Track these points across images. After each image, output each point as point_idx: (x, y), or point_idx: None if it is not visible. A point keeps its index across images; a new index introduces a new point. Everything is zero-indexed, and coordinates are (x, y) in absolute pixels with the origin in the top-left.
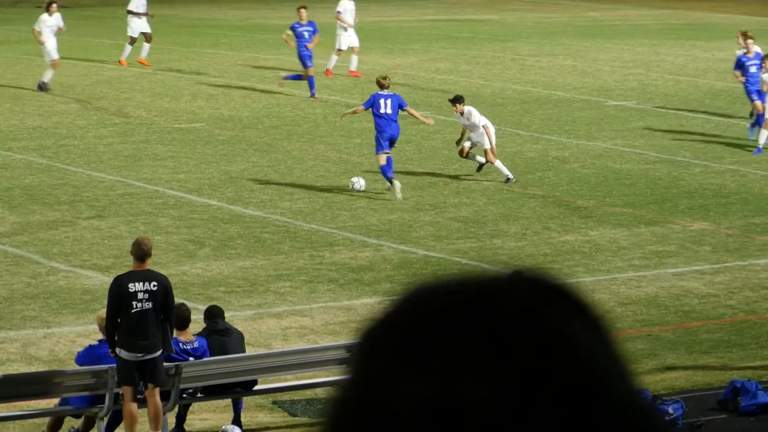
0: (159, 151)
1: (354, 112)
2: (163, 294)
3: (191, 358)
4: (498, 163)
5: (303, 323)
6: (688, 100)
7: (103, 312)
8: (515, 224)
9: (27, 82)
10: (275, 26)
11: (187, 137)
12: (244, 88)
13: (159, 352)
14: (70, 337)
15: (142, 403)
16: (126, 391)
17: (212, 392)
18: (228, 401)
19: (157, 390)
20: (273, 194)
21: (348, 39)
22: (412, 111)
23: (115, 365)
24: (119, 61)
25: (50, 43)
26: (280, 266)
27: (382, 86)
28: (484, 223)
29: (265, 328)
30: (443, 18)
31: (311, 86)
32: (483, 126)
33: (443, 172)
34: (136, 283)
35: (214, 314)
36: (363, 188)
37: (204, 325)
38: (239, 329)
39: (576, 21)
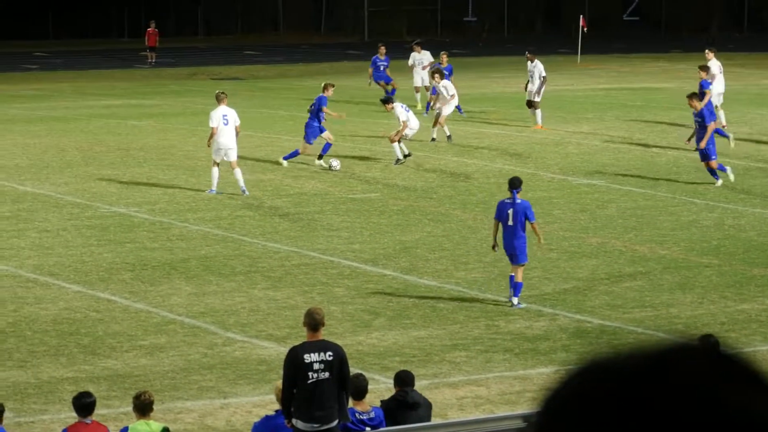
0: (334, 222)
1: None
2: (339, 364)
3: (368, 429)
4: (394, 146)
5: (479, 393)
6: None
7: (279, 383)
8: (691, 293)
9: (202, 154)
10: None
11: (361, 207)
12: (417, 158)
13: (335, 423)
14: (246, 407)
15: None
16: None
17: None
18: None
19: None
20: (448, 264)
21: None
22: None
23: None
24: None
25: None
26: (455, 336)
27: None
28: (659, 291)
29: (441, 398)
30: (616, 86)
31: None
32: (402, 121)
33: (618, 241)
34: (312, 354)
35: (403, 381)
36: (338, 167)
37: (393, 391)
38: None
39: (750, 89)
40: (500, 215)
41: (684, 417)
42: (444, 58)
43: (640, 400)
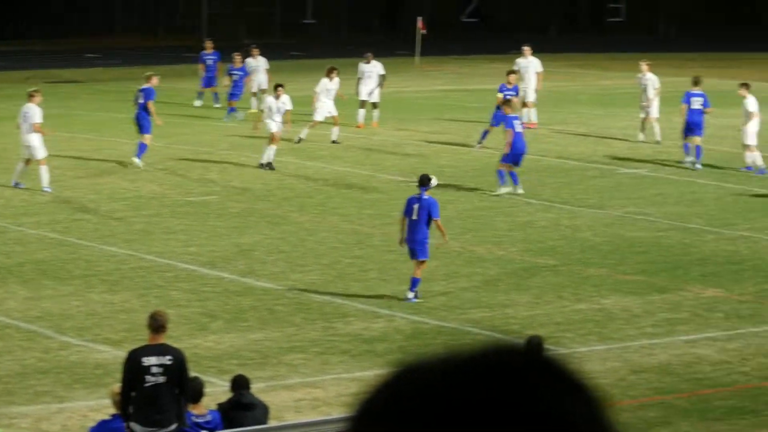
0: (171, 225)
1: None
2: (178, 368)
3: None
4: (271, 149)
5: (316, 395)
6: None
7: (116, 386)
8: (527, 293)
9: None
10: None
11: (199, 210)
12: (255, 160)
13: (173, 426)
14: (82, 411)
15: None
16: None
17: None
18: None
19: None
20: (285, 266)
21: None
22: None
23: None
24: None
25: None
26: (292, 338)
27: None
28: (496, 292)
29: (278, 401)
30: (454, 88)
31: None
32: (287, 110)
33: (456, 241)
34: (151, 357)
35: (239, 384)
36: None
37: (230, 395)
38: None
39: (588, 89)
40: (406, 210)
41: (497, 416)
42: (237, 58)
43: (457, 400)
